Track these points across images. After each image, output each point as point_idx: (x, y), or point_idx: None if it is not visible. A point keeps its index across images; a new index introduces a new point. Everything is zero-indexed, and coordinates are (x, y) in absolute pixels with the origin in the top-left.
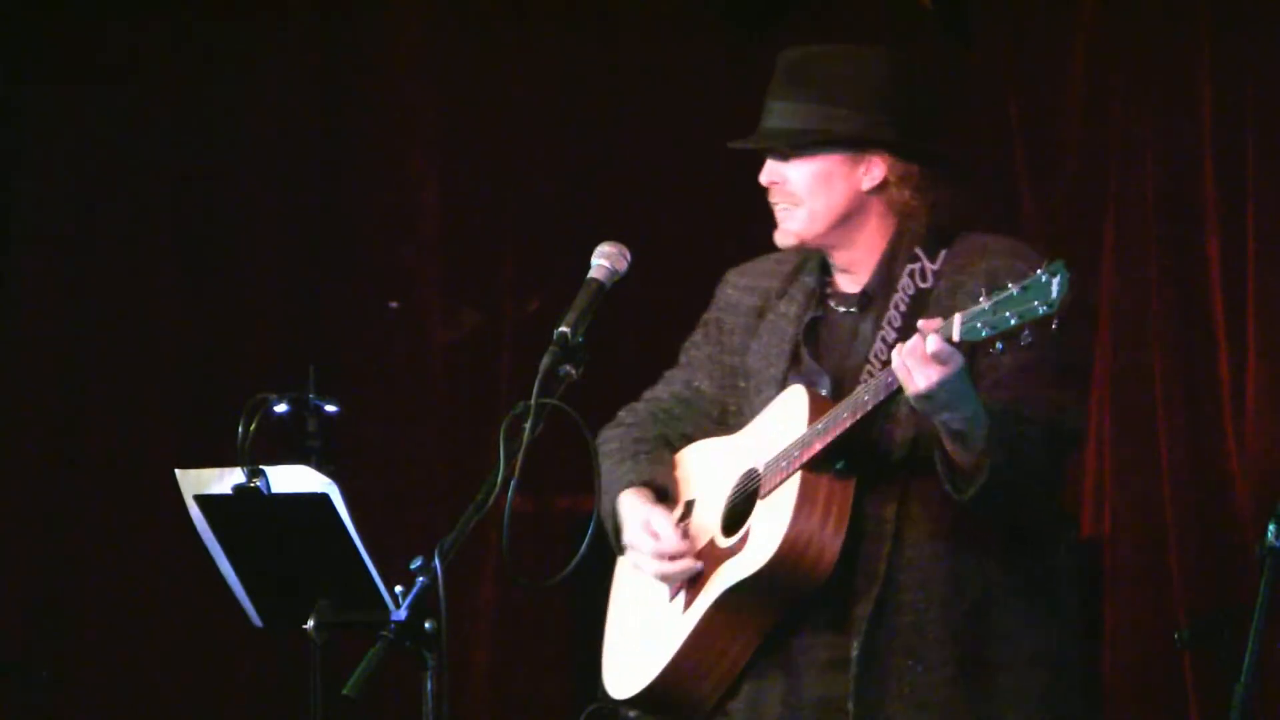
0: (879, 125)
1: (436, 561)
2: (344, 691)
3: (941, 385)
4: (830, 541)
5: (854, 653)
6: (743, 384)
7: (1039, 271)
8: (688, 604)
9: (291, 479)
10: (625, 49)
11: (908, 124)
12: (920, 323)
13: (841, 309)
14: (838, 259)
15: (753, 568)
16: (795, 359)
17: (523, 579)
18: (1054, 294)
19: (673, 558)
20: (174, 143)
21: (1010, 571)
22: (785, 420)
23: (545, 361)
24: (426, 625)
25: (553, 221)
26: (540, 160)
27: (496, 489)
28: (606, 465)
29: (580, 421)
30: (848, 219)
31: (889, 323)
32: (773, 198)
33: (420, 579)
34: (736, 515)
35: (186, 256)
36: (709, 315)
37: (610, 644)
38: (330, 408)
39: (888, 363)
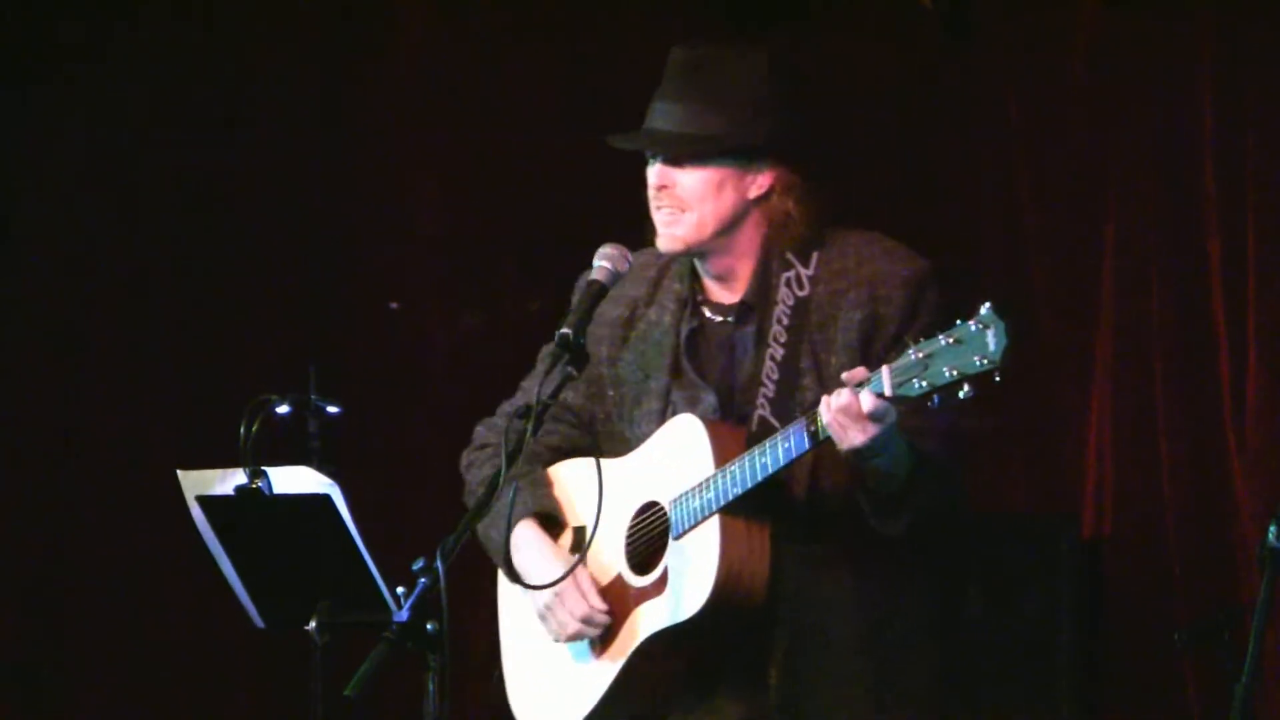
0: (773, 134)
1: (438, 562)
2: (345, 692)
3: (875, 440)
4: (758, 578)
5: (773, 680)
6: (612, 393)
7: (970, 324)
8: (604, 645)
9: (293, 480)
10: (626, 50)
11: (797, 130)
12: (845, 375)
13: (718, 318)
14: (712, 266)
15: (686, 613)
16: (676, 370)
17: (521, 582)
18: (992, 347)
19: (592, 619)
20: (176, 142)
21: (911, 578)
22: (684, 453)
23: (546, 362)
24: (429, 626)
25: (553, 222)
26: (541, 160)
27: (498, 489)
28: (482, 492)
29: (575, 415)
30: (728, 229)
31: (775, 338)
32: (659, 201)
33: (422, 580)
34: (642, 552)
35: (188, 257)
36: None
37: (515, 677)
38: (332, 409)
39: (779, 381)
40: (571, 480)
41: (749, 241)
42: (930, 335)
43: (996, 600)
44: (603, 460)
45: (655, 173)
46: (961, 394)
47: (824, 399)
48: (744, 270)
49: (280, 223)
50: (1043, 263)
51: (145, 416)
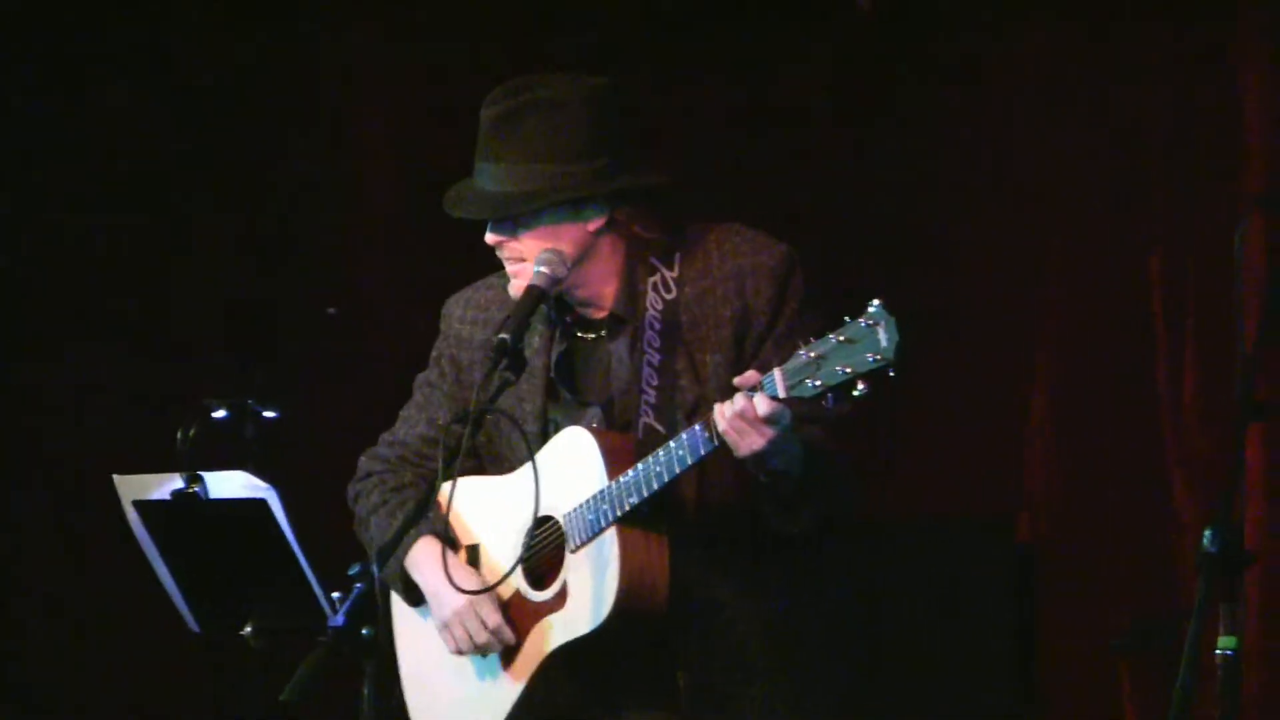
0: (599, 175)
1: (374, 568)
2: (281, 698)
3: (773, 443)
4: (660, 585)
5: (683, 685)
6: (490, 418)
7: (860, 321)
8: (507, 662)
9: (230, 485)
10: (566, 54)
11: (620, 161)
12: (737, 380)
13: (590, 335)
14: (577, 294)
15: (591, 624)
16: (551, 393)
17: (461, 587)
18: (884, 343)
19: (497, 634)
20: (114, 138)
21: (805, 574)
22: (574, 466)
23: (486, 367)
24: (364, 631)
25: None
26: None
27: (435, 494)
28: (374, 521)
29: (519, 428)
30: (580, 263)
31: (649, 345)
32: (502, 254)
33: (358, 585)
34: (539, 567)
35: (127, 261)
36: (441, 350)
37: (416, 698)
38: (269, 413)
39: (659, 386)
40: (466, 502)
41: (607, 264)
42: (820, 334)
43: (933, 604)
44: (489, 479)
45: (488, 235)
46: (856, 392)
47: (717, 407)
48: (609, 289)
49: (220, 226)
50: (981, 268)
51: (82, 421)
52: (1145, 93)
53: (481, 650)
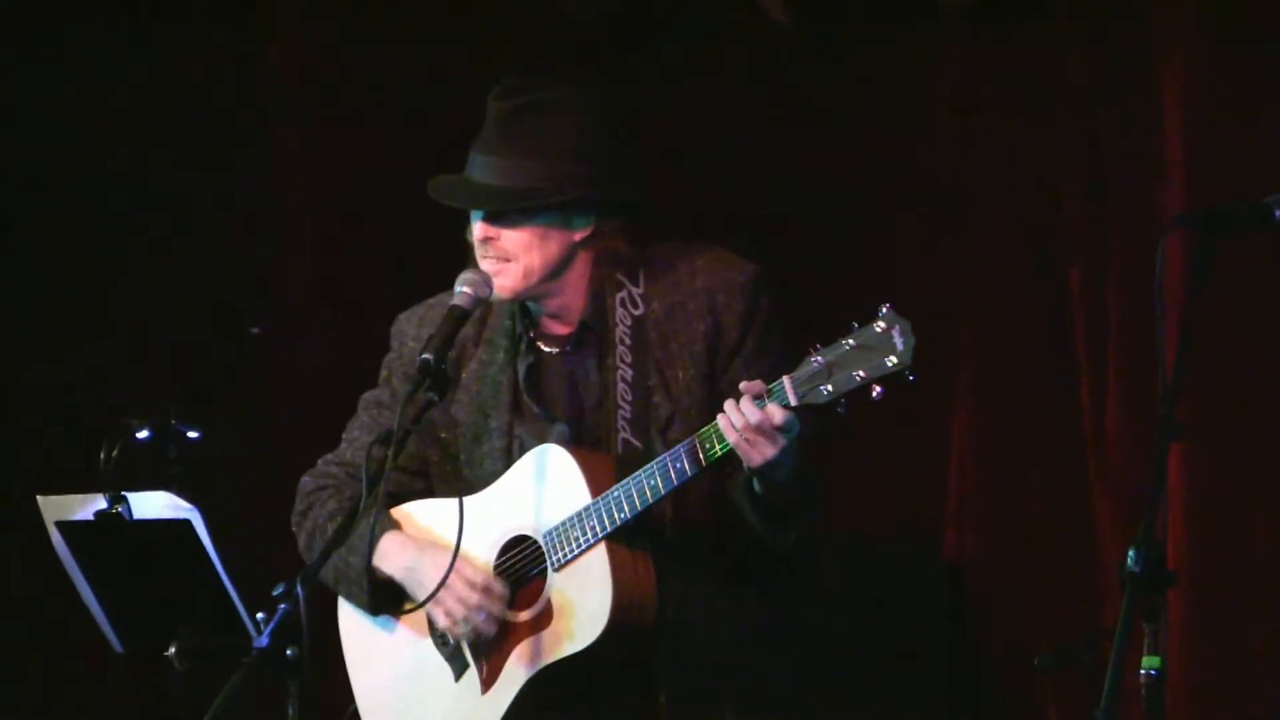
0: (595, 181)
1: (299, 588)
2: (205, 719)
3: (784, 451)
4: (648, 601)
5: (664, 702)
6: (445, 435)
7: (873, 326)
8: (488, 681)
9: (154, 505)
10: (501, 64)
11: (617, 175)
12: (743, 386)
13: (555, 350)
14: (545, 305)
15: (583, 642)
16: (516, 408)
17: (389, 608)
18: (900, 346)
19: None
20: (28, 150)
21: (784, 593)
22: (553, 483)
23: (408, 388)
24: (289, 652)
25: (425, 240)
26: (415, 174)
27: (359, 515)
28: (333, 528)
29: (445, 450)
30: (558, 273)
31: (621, 359)
32: (483, 252)
33: (282, 605)
34: (514, 586)
35: (45, 276)
36: (392, 369)
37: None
38: (192, 433)
39: (634, 401)
40: (423, 519)
41: (579, 277)
42: (830, 341)
43: (859, 623)
44: (447, 501)
45: (479, 227)
46: (874, 396)
47: (722, 417)
48: (576, 302)
49: (142, 243)
50: (899, 284)
51: (6, 442)
52: (1063, 106)
53: (476, 618)
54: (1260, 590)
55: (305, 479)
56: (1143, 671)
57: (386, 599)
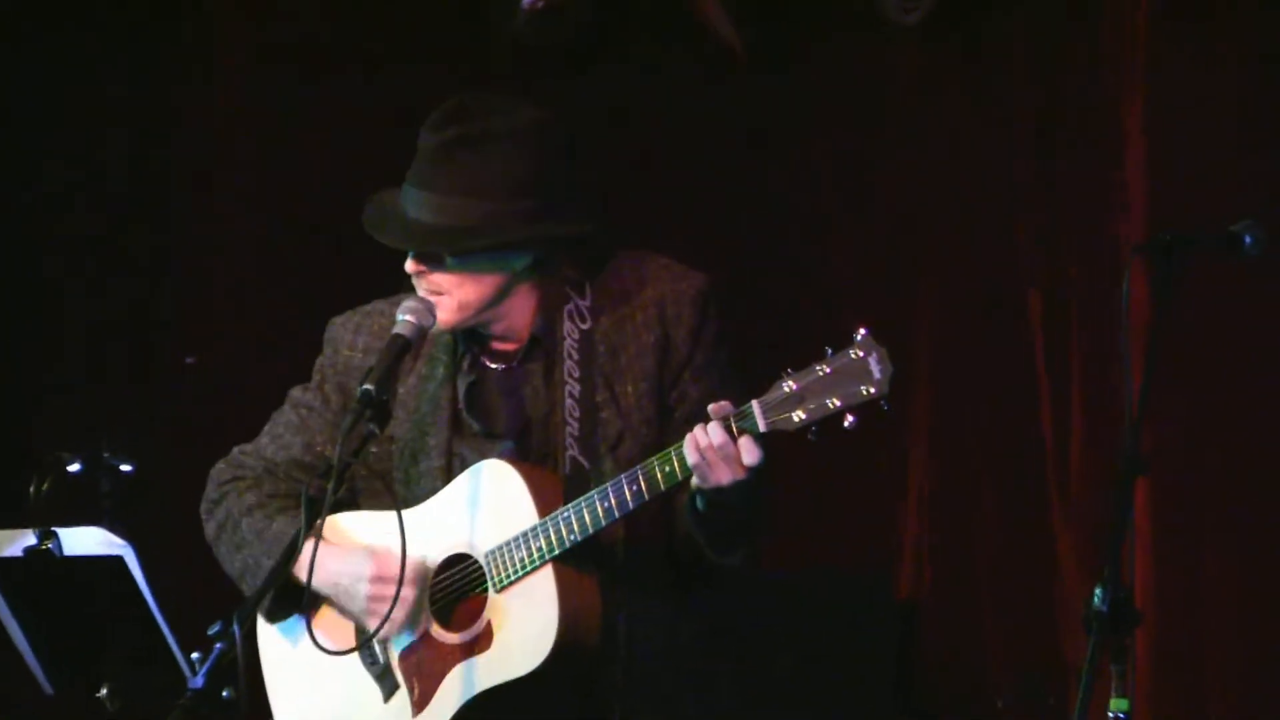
0: (527, 221)
1: (235, 627)
2: None
3: (739, 479)
4: (594, 622)
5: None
6: (377, 449)
7: (849, 351)
8: (419, 703)
9: (85, 541)
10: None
11: (556, 209)
12: (712, 408)
13: (499, 365)
14: (493, 330)
15: (526, 666)
16: (456, 425)
17: (326, 648)
18: (877, 374)
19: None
20: None
21: (719, 614)
22: (498, 501)
23: (348, 420)
24: (224, 693)
25: (368, 265)
26: (356, 195)
27: (298, 553)
28: (247, 523)
29: (388, 484)
30: (498, 300)
31: (569, 374)
32: (420, 288)
33: (218, 645)
34: (446, 608)
35: None
36: (325, 374)
37: None
38: (125, 466)
39: (581, 418)
40: (361, 536)
41: (523, 301)
42: (802, 366)
43: (810, 661)
44: (380, 515)
45: (409, 262)
46: (846, 424)
47: (691, 437)
48: (522, 322)
49: (74, 268)
50: (856, 309)
51: None
52: (1021, 129)
53: (414, 610)
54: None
55: (220, 466)
56: (1110, 714)
57: (292, 605)
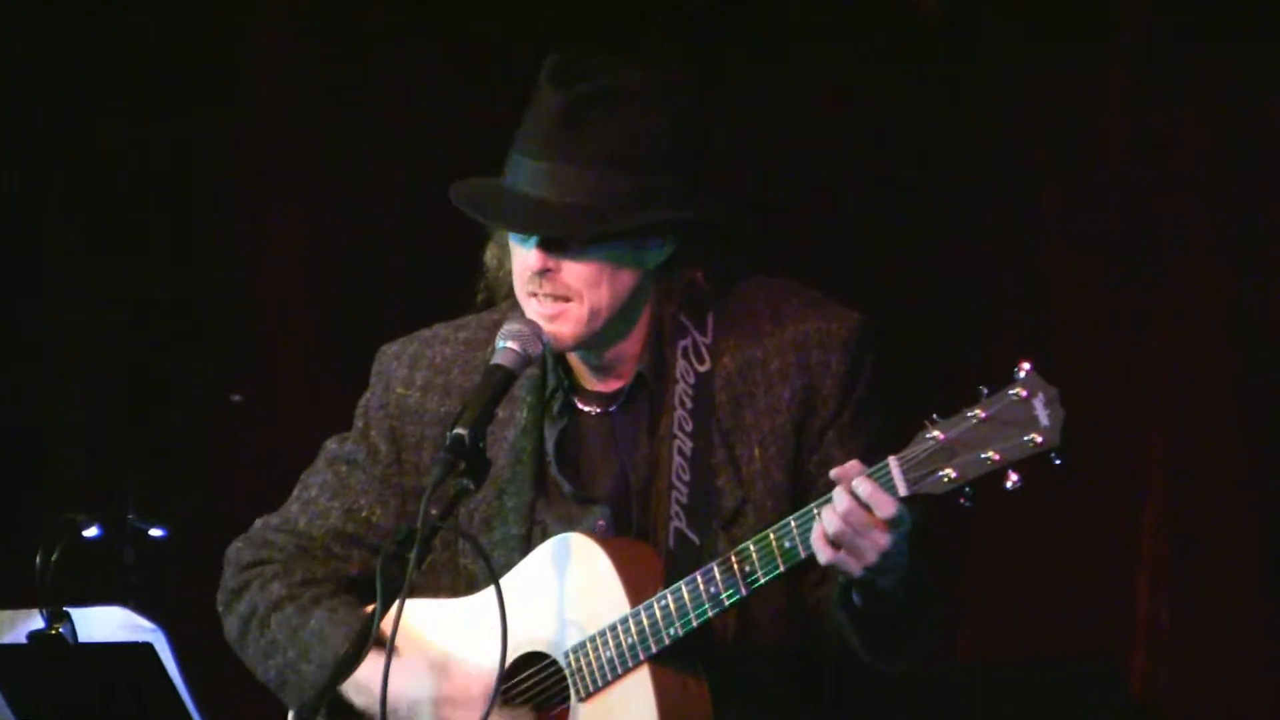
0: (679, 194)
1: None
2: None
3: (885, 555)
4: None
5: None
6: (439, 512)
7: (1008, 392)
8: None
9: (105, 623)
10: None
11: (698, 184)
12: (834, 474)
13: (596, 410)
14: (601, 354)
15: None
16: (541, 485)
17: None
18: (1044, 420)
19: None
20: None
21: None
22: (579, 586)
23: (435, 473)
24: None
25: (432, 288)
26: (414, 222)
27: (371, 637)
28: (277, 619)
29: (479, 546)
30: (630, 309)
31: (680, 427)
32: (533, 286)
33: None
34: (527, 717)
35: None
36: (372, 417)
37: None
38: (155, 531)
39: (692, 482)
40: (415, 627)
41: (640, 320)
42: (951, 411)
43: None
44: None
45: (535, 255)
46: (1009, 486)
47: (821, 510)
48: (631, 349)
49: (90, 295)
50: (1081, 337)
51: None
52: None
53: None
54: None
55: (237, 547)
56: None
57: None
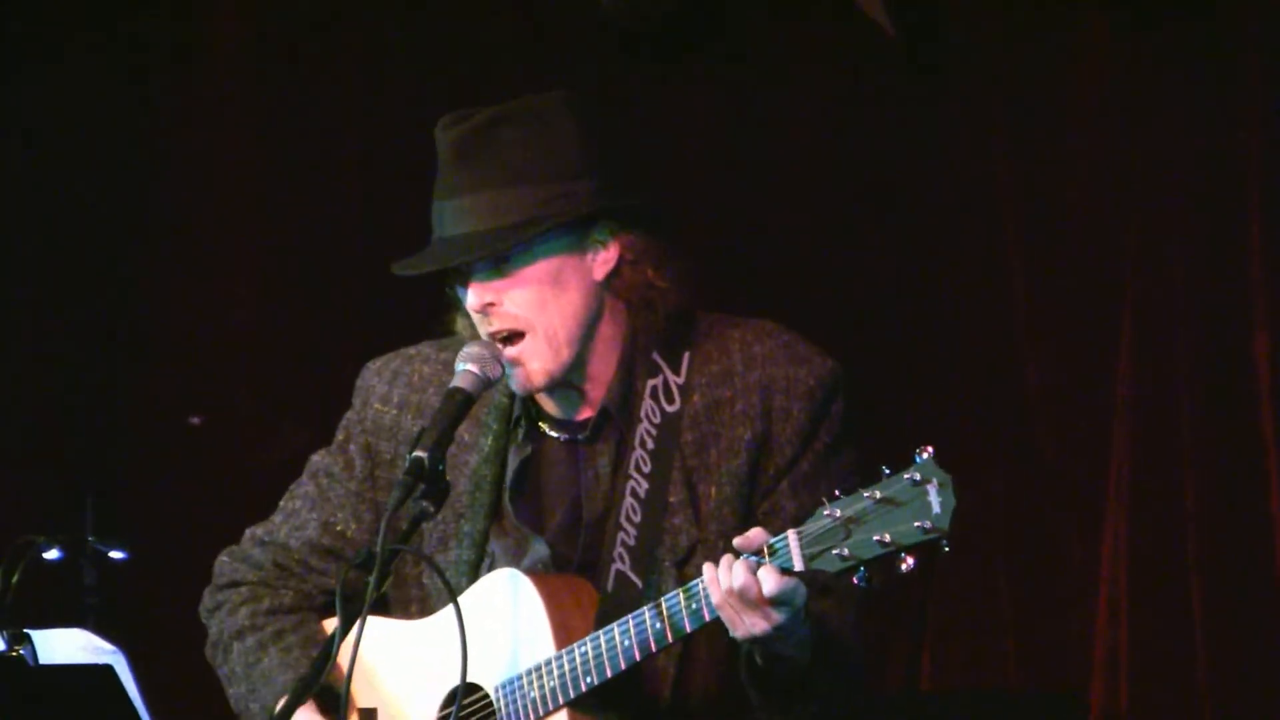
0: (600, 189)
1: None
2: None
3: (779, 627)
4: None
5: None
6: (406, 528)
7: (903, 476)
8: None
9: (65, 645)
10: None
11: (621, 181)
12: (738, 541)
13: (563, 437)
14: (574, 379)
15: None
16: (497, 513)
17: None
18: (936, 509)
19: None
20: None
21: None
22: (511, 622)
23: (395, 495)
24: None
25: (394, 311)
26: (372, 240)
27: (330, 663)
28: (237, 649)
29: (439, 571)
30: (589, 326)
31: (637, 467)
32: (488, 325)
33: None
34: None
35: None
36: (351, 432)
37: None
38: (115, 553)
39: (642, 523)
40: (364, 643)
41: (608, 339)
42: (849, 490)
43: None
44: (400, 624)
45: (472, 293)
46: (903, 569)
47: (709, 571)
48: (602, 375)
49: (49, 313)
50: (1045, 363)
51: None
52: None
53: None
54: None
55: (222, 559)
56: None
57: None
